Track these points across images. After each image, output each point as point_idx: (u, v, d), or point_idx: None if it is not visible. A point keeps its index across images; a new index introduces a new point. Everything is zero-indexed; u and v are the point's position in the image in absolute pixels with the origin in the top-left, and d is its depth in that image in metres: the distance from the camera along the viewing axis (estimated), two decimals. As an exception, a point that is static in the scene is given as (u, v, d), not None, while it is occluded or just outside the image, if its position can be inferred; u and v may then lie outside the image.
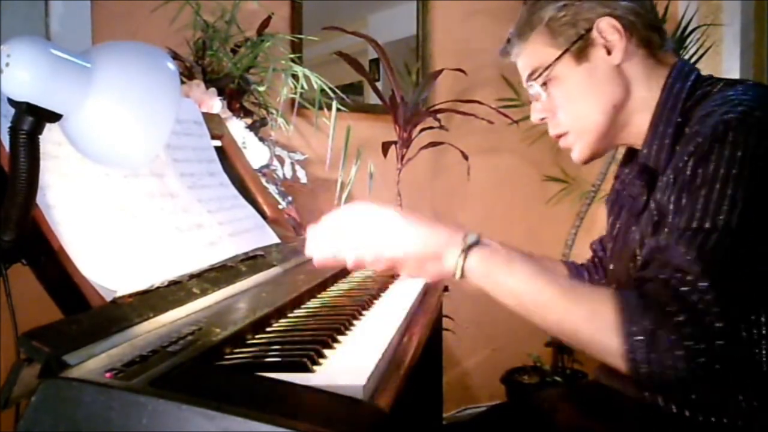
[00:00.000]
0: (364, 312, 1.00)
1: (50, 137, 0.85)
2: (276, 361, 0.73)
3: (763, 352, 0.86)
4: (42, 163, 0.77)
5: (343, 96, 1.96)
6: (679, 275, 0.79)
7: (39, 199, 0.79)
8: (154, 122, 0.85)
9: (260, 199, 1.38)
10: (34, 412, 0.57)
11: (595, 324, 0.81)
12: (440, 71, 2.29)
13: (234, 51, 1.85)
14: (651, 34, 1.00)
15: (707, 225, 0.81)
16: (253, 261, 1.10)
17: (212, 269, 1.00)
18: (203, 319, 0.82)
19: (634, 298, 0.81)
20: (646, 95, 1.00)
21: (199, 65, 1.77)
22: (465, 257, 0.86)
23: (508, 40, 1.07)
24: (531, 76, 1.04)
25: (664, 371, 0.77)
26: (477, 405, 2.66)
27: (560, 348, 2.53)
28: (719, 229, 0.80)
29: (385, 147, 2.08)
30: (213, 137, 1.31)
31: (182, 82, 1.61)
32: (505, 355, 2.63)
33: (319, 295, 1.08)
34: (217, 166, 1.27)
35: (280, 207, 1.61)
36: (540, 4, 1.02)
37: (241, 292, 0.97)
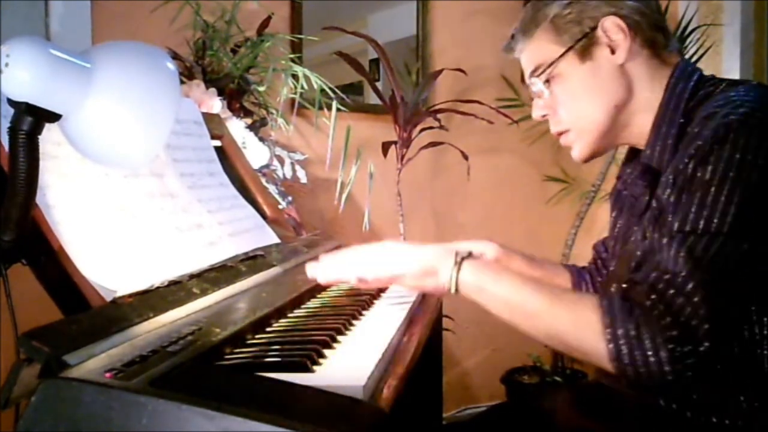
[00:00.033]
0: (364, 312, 1.00)
1: (50, 137, 0.85)
2: (276, 361, 0.73)
3: (764, 352, 0.86)
4: (42, 163, 0.77)
5: (343, 96, 1.96)
6: (668, 277, 0.80)
7: (39, 199, 0.79)
8: (154, 122, 0.85)
9: (260, 199, 1.38)
10: (34, 412, 0.57)
11: (581, 329, 0.83)
12: (440, 71, 2.29)
13: (234, 51, 1.85)
14: (655, 34, 1.00)
15: (700, 228, 0.81)
16: (253, 261, 1.10)
17: (212, 269, 1.00)
18: (203, 319, 0.82)
19: (618, 301, 0.82)
20: (648, 95, 1.00)
21: (199, 65, 1.77)
22: (459, 269, 0.90)
23: (513, 36, 1.07)
24: (534, 73, 1.04)
25: (650, 373, 0.78)
26: (477, 405, 2.66)
27: (560, 348, 2.53)
28: (712, 232, 0.80)
29: (385, 147, 2.08)
30: (213, 137, 1.31)
31: (182, 82, 1.62)
32: (505, 355, 2.63)
33: (319, 295, 1.09)
34: (217, 166, 1.27)
35: (280, 207, 1.61)
36: (546, 1, 1.02)
37: (241, 292, 0.97)
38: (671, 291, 0.79)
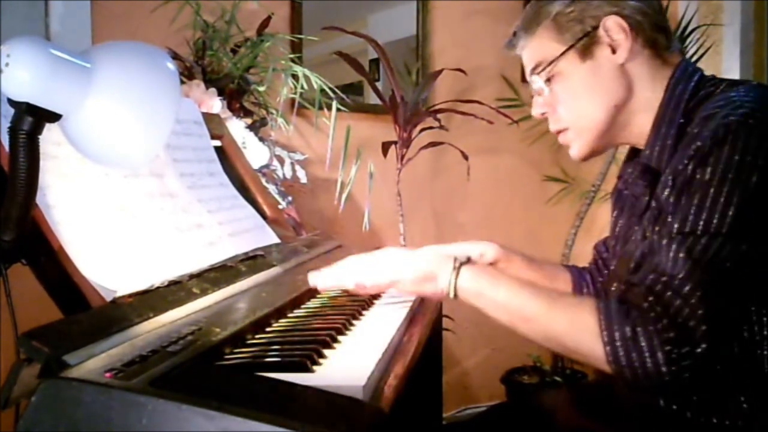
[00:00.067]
0: (364, 312, 1.00)
1: (50, 137, 0.85)
2: (276, 361, 0.73)
3: (764, 353, 0.86)
4: (42, 163, 0.77)
5: (343, 96, 1.95)
6: (665, 279, 0.80)
7: (39, 199, 0.79)
8: (154, 122, 0.85)
9: (260, 199, 1.38)
10: (34, 412, 0.57)
11: (578, 332, 0.83)
12: (440, 71, 2.29)
13: (234, 51, 1.85)
14: (657, 35, 1.00)
15: (699, 229, 0.81)
16: (253, 261, 1.10)
17: (212, 269, 1.00)
18: (203, 319, 0.82)
19: (614, 304, 0.83)
20: (649, 95, 1.00)
21: (199, 65, 1.76)
22: (457, 274, 0.91)
23: (515, 33, 1.07)
24: (535, 70, 1.04)
25: (647, 375, 0.78)
26: (477, 405, 2.66)
27: (560, 348, 2.53)
28: (711, 233, 0.80)
29: (385, 147, 2.08)
30: (213, 137, 1.31)
31: (182, 82, 1.61)
32: (505, 355, 2.63)
33: (319, 295, 1.08)
34: (217, 166, 1.27)
35: (280, 207, 1.61)
36: None
37: (241, 292, 0.97)
38: (669, 293, 0.79)
